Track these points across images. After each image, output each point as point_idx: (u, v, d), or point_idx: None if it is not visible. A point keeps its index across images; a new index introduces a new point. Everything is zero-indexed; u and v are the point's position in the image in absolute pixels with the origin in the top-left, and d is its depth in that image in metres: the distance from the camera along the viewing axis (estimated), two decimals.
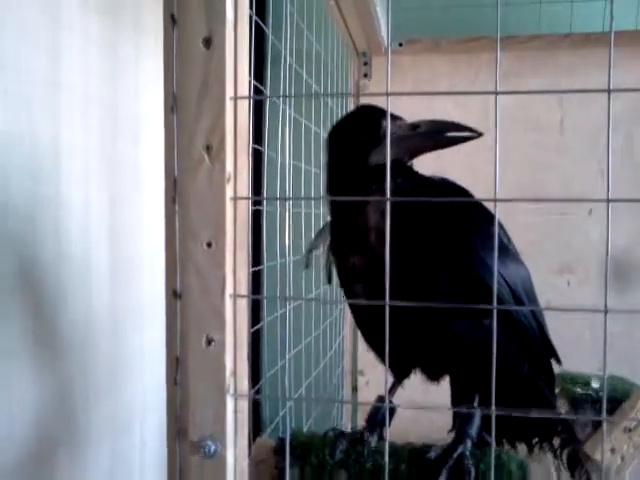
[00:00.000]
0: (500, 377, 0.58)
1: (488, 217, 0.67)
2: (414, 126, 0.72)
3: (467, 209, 0.74)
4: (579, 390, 1.16)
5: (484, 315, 0.69)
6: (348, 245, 0.76)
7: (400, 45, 1.90)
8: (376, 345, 0.80)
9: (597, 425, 1.05)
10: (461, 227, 0.72)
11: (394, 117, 0.72)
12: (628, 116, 1.82)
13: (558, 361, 0.86)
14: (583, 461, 0.84)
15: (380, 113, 0.73)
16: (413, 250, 0.72)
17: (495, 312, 0.53)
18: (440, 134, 0.72)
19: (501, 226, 0.81)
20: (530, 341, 0.79)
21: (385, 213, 0.55)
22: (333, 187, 0.78)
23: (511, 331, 0.76)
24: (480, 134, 0.69)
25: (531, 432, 0.88)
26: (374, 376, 1.99)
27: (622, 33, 1.73)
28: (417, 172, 0.78)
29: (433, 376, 0.82)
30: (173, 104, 0.58)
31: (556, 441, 0.86)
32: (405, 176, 0.74)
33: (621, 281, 1.85)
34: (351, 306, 0.85)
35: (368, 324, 0.80)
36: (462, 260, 0.71)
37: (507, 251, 0.79)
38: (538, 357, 0.82)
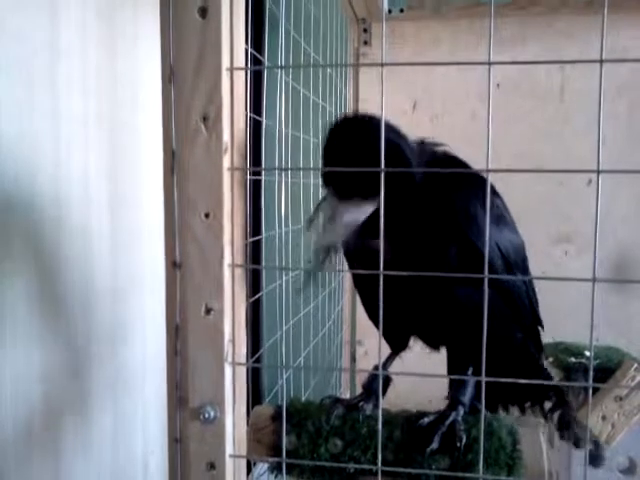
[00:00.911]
0: (495, 345, 0.59)
1: (485, 187, 0.68)
2: None
3: (465, 180, 0.74)
4: (572, 359, 1.18)
5: (481, 283, 0.71)
6: None
7: (401, 11, 1.88)
8: (374, 314, 0.81)
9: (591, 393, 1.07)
10: (457, 196, 0.73)
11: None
12: (633, 82, 1.80)
13: (541, 327, 0.88)
14: (572, 424, 0.86)
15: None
16: (410, 220, 0.72)
17: (487, 280, 0.54)
18: None
19: (499, 196, 0.81)
20: (521, 309, 0.80)
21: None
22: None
23: (505, 299, 0.77)
24: None
25: (524, 397, 0.90)
26: (372, 346, 2.01)
27: None
28: (421, 143, 0.77)
29: (432, 344, 0.83)
30: (170, 75, 0.58)
31: (547, 405, 0.88)
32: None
33: (623, 257, 1.86)
34: (352, 276, 0.86)
35: (367, 293, 0.81)
36: (458, 228, 0.72)
37: (504, 221, 0.79)
38: (529, 325, 0.84)
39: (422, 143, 0.77)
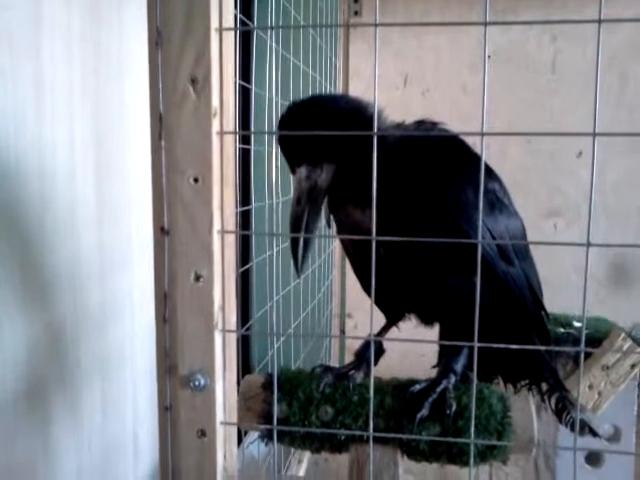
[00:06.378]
0: (490, 331, 0.58)
1: (484, 171, 0.66)
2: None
3: (460, 162, 0.73)
4: (561, 330, 1.18)
5: (473, 273, 0.70)
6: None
7: None
8: (367, 284, 0.80)
9: (578, 362, 1.08)
10: (450, 182, 0.71)
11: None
12: (623, 54, 1.80)
13: (546, 315, 0.86)
14: (570, 409, 0.86)
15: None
16: (403, 204, 0.71)
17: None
18: None
19: (497, 179, 0.79)
20: (520, 298, 0.79)
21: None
22: None
23: (498, 288, 0.76)
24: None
25: (519, 375, 0.89)
26: (361, 319, 2.02)
27: None
28: (419, 122, 0.76)
29: (427, 321, 0.83)
30: (157, 39, 0.56)
31: (544, 386, 0.87)
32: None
33: (613, 226, 1.88)
34: (346, 252, 0.84)
35: (362, 269, 0.80)
36: (451, 216, 0.71)
37: (500, 205, 0.78)
38: (528, 314, 0.82)
39: (421, 122, 0.76)
